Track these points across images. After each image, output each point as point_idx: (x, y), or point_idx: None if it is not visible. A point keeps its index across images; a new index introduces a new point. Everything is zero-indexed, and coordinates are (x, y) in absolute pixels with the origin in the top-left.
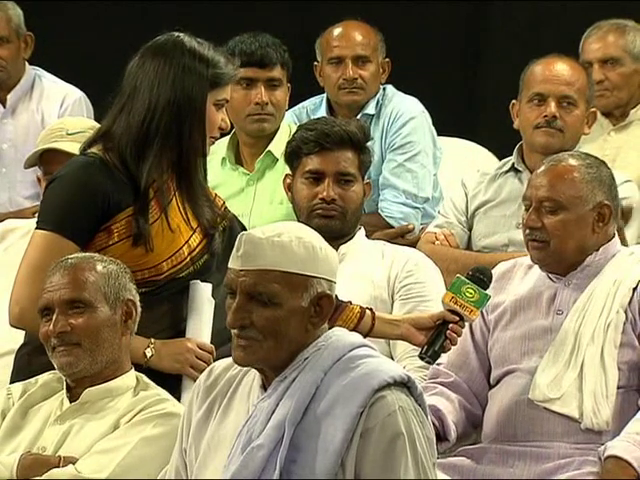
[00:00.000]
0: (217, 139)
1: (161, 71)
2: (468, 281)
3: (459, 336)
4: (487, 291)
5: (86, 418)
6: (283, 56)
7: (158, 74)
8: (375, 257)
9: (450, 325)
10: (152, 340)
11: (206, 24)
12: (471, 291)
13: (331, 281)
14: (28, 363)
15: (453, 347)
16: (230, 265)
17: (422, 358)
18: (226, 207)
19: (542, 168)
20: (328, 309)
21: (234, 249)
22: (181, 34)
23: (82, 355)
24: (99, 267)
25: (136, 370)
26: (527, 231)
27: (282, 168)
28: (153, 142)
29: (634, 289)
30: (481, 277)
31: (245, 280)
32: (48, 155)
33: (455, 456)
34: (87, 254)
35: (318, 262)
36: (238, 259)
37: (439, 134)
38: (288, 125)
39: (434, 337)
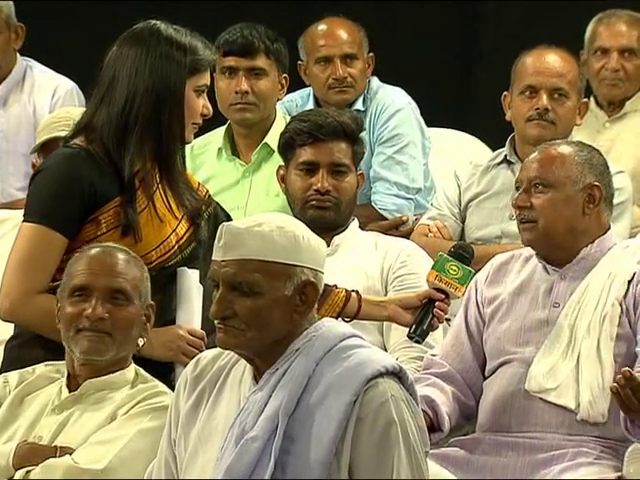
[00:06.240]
0: (200, 125)
1: (139, 60)
2: (451, 258)
3: (446, 313)
4: (476, 271)
5: (83, 409)
6: (269, 46)
7: (136, 63)
8: (368, 248)
9: (436, 303)
10: None
11: (205, 24)
12: (455, 268)
13: (317, 270)
14: (19, 355)
15: (447, 338)
16: (213, 257)
17: (411, 338)
18: (210, 195)
19: (535, 152)
20: (314, 297)
21: (216, 240)
22: (157, 22)
23: (111, 345)
24: (138, 265)
25: None
26: (517, 212)
27: (278, 160)
28: (133, 131)
29: (629, 281)
30: (463, 253)
31: (227, 270)
32: (52, 143)
33: (449, 446)
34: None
35: (301, 251)
36: (219, 250)
37: (435, 126)
38: (284, 117)
39: (422, 316)
